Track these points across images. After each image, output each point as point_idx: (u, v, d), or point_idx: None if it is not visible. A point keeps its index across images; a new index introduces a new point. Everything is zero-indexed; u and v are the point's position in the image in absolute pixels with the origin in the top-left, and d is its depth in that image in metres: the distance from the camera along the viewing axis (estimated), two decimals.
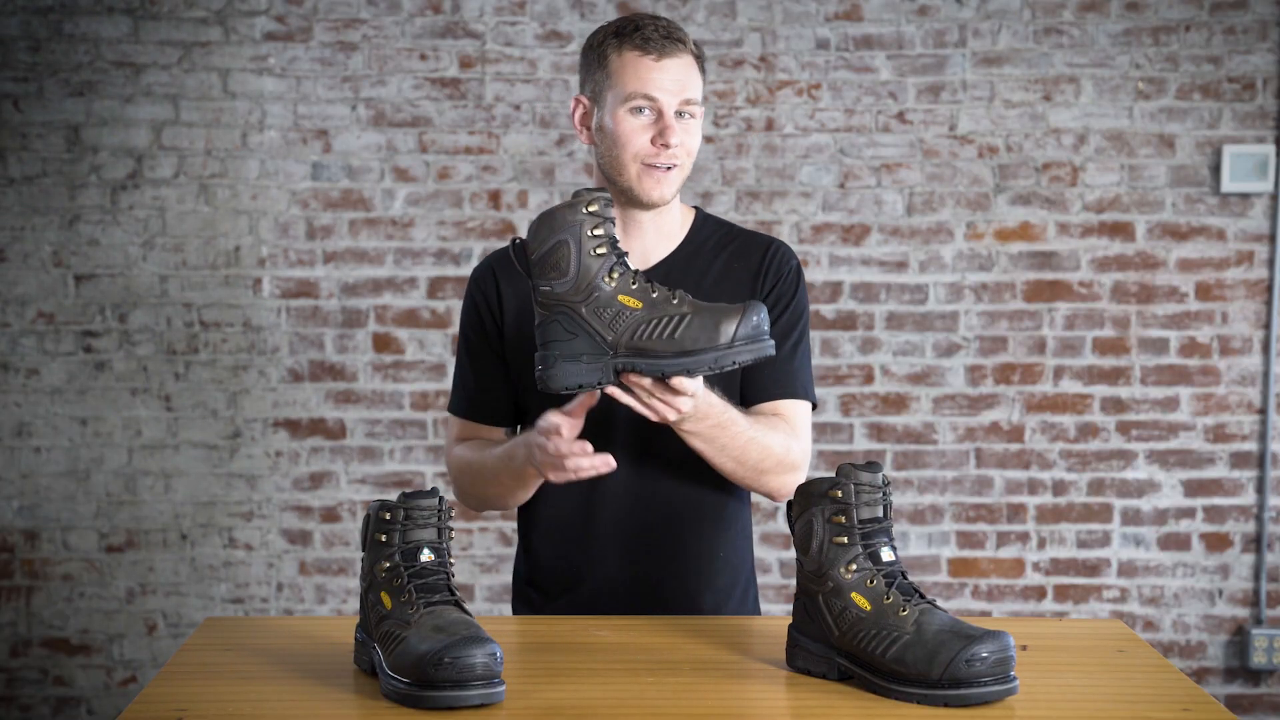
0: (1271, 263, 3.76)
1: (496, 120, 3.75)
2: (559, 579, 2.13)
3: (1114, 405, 3.80)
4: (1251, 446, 3.80)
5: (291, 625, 1.93)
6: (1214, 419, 3.79)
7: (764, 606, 3.62)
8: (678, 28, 2.03)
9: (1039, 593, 3.83)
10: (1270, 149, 3.71)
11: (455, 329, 3.76)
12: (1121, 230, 3.78)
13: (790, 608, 1.86)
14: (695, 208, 2.18)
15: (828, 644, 1.65)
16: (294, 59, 3.73)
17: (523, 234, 3.75)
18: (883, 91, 3.76)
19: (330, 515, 3.80)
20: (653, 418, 1.82)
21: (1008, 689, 1.56)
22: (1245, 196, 3.75)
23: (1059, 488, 3.81)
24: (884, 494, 1.65)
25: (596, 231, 1.76)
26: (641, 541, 2.07)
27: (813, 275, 3.76)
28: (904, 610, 1.59)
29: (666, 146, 1.99)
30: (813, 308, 3.63)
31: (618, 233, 2.07)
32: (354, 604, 3.75)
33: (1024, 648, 1.74)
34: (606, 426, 1.94)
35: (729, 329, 1.73)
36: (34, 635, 3.80)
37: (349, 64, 3.73)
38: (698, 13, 3.73)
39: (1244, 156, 3.71)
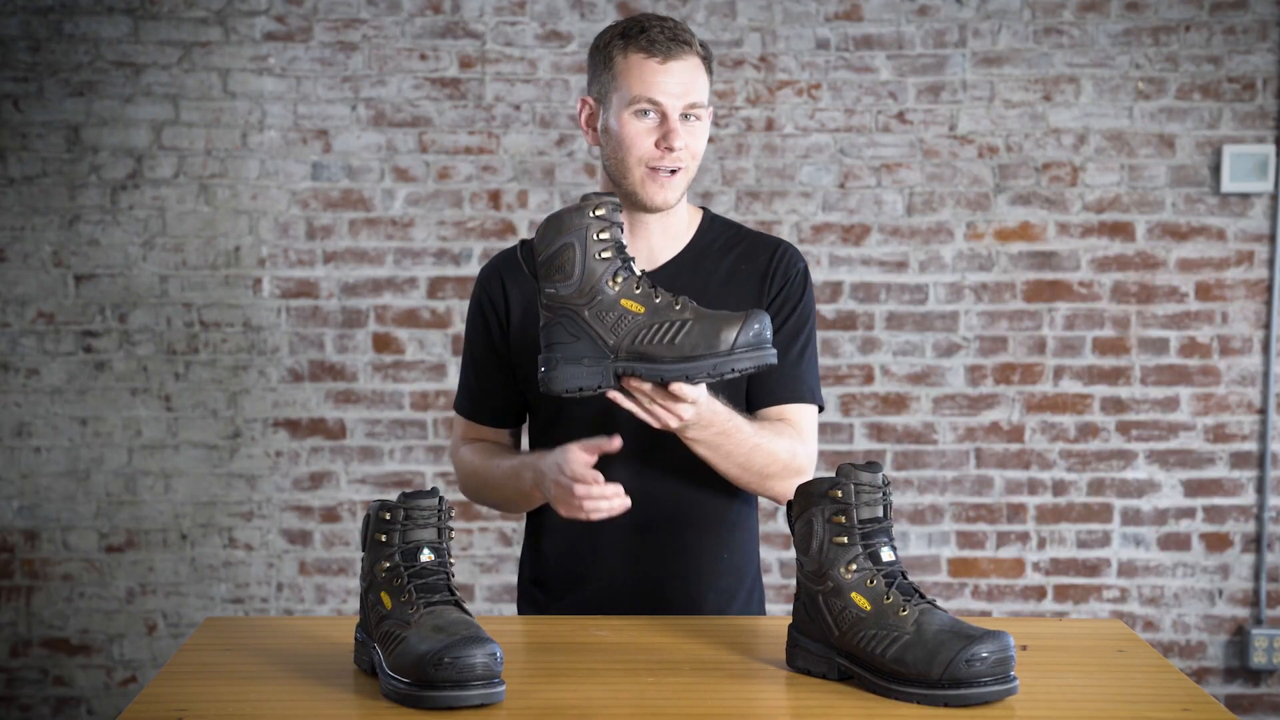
0: (1271, 263, 3.76)
1: (496, 120, 3.75)
2: (565, 579, 2.13)
3: (1114, 405, 3.80)
4: (1251, 446, 3.80)
5: (291, 625, 1.93)
6: (1214, 419, 3.79)
7: (766, 608, 3.61)
8: (684, 29, 2.02)
9: (1039, 593, 3.83)
10: (1270, 149, 3.71)
11: (455, 329, 3.76)
12: (1121, 230, 3.78)
13: (790, 608, 1.86)
14: (703, 208, 2.17)
15: (828, 644, 1.65)
16: (294, 59, 3.73)
17: (524, 235, 3.75)
18: (883, 91, 3.76)
19: (330, 515, 3.81)
20: (655, 424, 1.83)
21: (1008, 689, 1.56)
22: (1245, 196, 3.75)
23: (1059, 488, 3.81)
24: (884, 494, 1.65)
25: (602, 235, 1.76)
26: (646, 543, 2.08)
27: (813, 275, 3.76)
28: (904, 610, 1.59)
29: (670, 150, 1.99)
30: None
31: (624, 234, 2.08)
32: (354, 604, 3.75)
33: (1024, 648, 1.74)
34: (611, 428, 1.94)
35: (730, 336, 1.73)
36: (34, 635, 3.80)
37: (349, 64, 3.74)
38: (698, 13, 3.73)
39: (1244, 156, 3.71)
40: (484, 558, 3.83)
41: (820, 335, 3.77)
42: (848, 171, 3.77)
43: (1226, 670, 3.83)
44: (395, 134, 3.75)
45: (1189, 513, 3.81)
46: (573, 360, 1.76)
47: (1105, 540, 3.82)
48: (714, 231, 2.14)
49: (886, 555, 1.64)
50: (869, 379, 3.80)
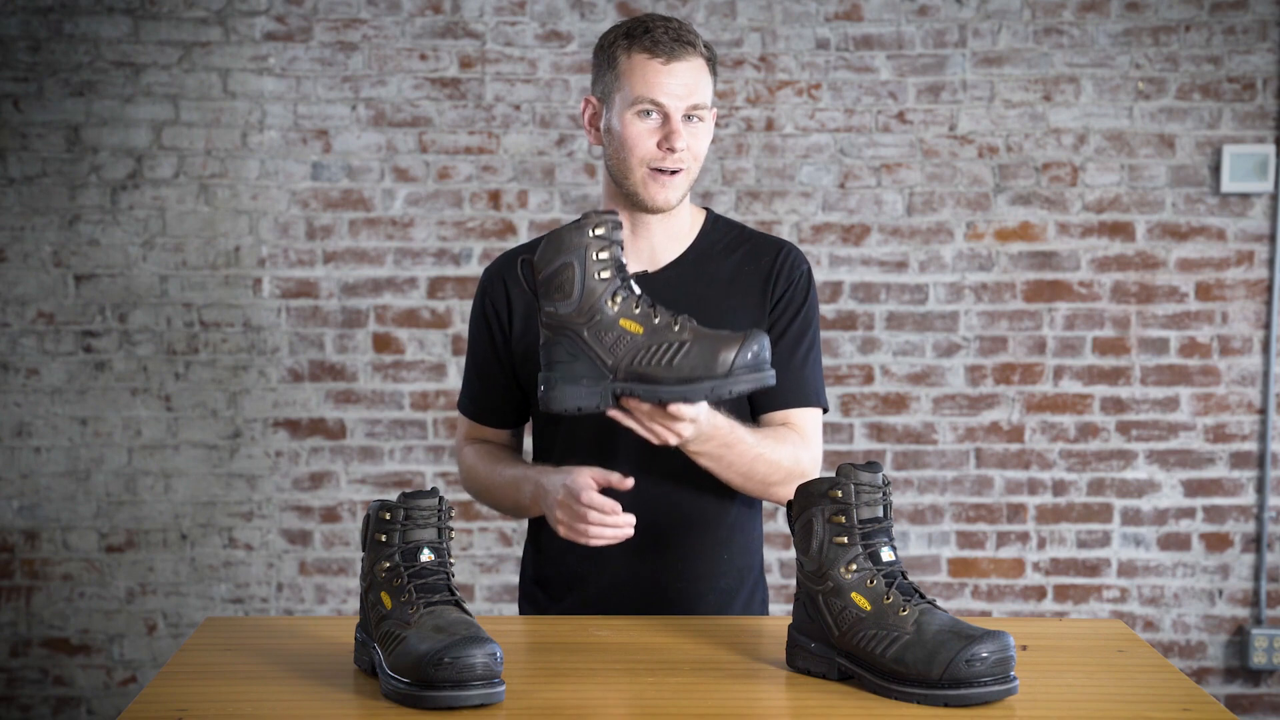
0: (1271, 263, 3.76)
1: (496, 120, 3.75)
2: (566, 579, 2.14)
3: (1114, 405, 3.80)
4: (1251, 446, 3.80)
5: (291, 625, 1.93)
6: (1214, 419, 3.79)
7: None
8: (689, 30, 2.02)
9: (1039, 593, 3.83)
10: (1270, 149, 3.71)
11: (455, 329, 3.76)
12: (1121, 230, 3.78)
13: (790, 608, 1.87)
14: (706, 209, 2.17)
15: (828, 644, 1.65)
16: (294, 59, 3.73)
17: (525, 237, 3.75)
18: (883, 91, 3.76)
19: (330, 515, 3.81)
20: (655, 441, 1.85)
21: (1008, 689, 1.56)
22: (1245, 196, 3.75)
23: (1059, 488, 3.81)
24: (884, 494, 1.65)
25: (602, 255, 1.76)
26: (647, 543, 2.08)
27: (813, 275, 3.76)
28: (904, 610, 1.59)
29: (672, 150, 1.99)
30: None
31: (626, 234, 2.08)
32: (354, 604, 3.75)
33: (1024, 648, 1.75)
34: (612, 430, 1.94)
35: (728, 357, 1.73)
36: (34, 635, 3.80)
37: (349, 64, 3.74)
38: (698, 13, 3.73)
39: (1244, 156, 3.71)
40: (484, 558, 3.83)
41: (821, 335, 3.77)
42: (848, 171, 3.77)
43: (1226, 670, 3.83)
44: (395, 134, 3.75)
45: (1189, 513, 3.81)
46: (572, 380, 1.77)
47: (1105, 540, 3.82)
48: (717, 232, 2.14)
49: (886, 555, 1.64)
50: (869, 379, 3.80)
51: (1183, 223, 3.77)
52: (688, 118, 2.00)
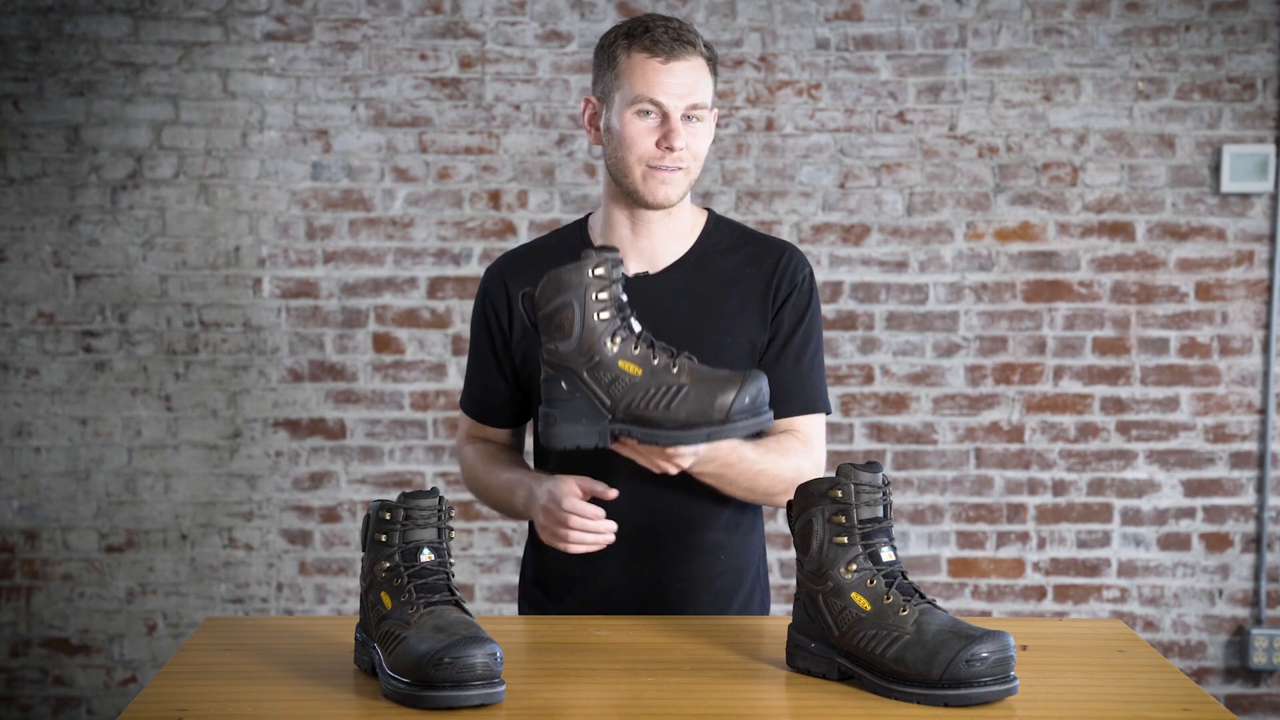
0: (1271, 263, 3.76)
1: (496, 120, 3.75)
2: (565, 580, 2.14)
3: (1114, 405, 3.80)
4: (1251, 446, 3.80)
5: (291, 625, 1.93)
6: (1214, 419, 3.79)
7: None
8: (689, 29, 2.02)
9: (1039, 593, 3.83)
10: (1270, 149, 3.71)
11: (455, 329, 3.76)
12: (1121, 230, 3.78)
13: (790, 608, 1.87)
14: (707, 209, 2.17)
15: (828, 644, 1.65)
16: (294, 59, 3.73)
17: (525, 237, 3.75)
18: (883, 91, 3.76)
19: (330, 515, 3.81)
20: (654, 469, 1.85)
21: (1008, 689, 1.56)
22: (1245, 196, 3.75)
23: (1059, 488, 3.81)
24: (884, 494, 1.65)
25: (601, 295, 1.77)
26: (645, 544, 2.08)
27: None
28: (904, 610, 1.59)
29: (671, 150, 1.99)
30: None
31: (627, 234, 2.08)
32: (354, 604, 3.75)
33: (1024, 648, 1.75)
34: None
35: (726, 401, 1.74)
36: (34, 635, 3.80)
37: (349, 64, 3.73)
38: (698, 13, 3.73)
39: (1244, 156, 3.71)
40: (484, 558, 3.83)
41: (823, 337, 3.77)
42: (848, 171, 3.77)
43: (1226, 670, 3.83)
44: (395, 134, 3.75)
45: (1189, 513, 3.81)
46: (571, 418, 1.79)
47: (1105, 540, 3.82)
48: (719, 233, 2.14)
49: (886, 555, 1.64)
50: (869, 379, 3.80)
51: (1183, 223, 3.77)
52: (687, 117, 2.00)
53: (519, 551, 3.79)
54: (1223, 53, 3.72)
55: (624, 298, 1.80)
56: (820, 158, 3.76)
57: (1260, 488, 3.80)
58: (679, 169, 2.01)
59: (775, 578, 3.80)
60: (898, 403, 3.80)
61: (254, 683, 1.65)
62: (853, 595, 1.62)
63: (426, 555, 1.65)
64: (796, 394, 2.09)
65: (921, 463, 3.81)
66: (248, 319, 3.76)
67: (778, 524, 3.77)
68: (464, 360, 3.63)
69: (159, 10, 3.71)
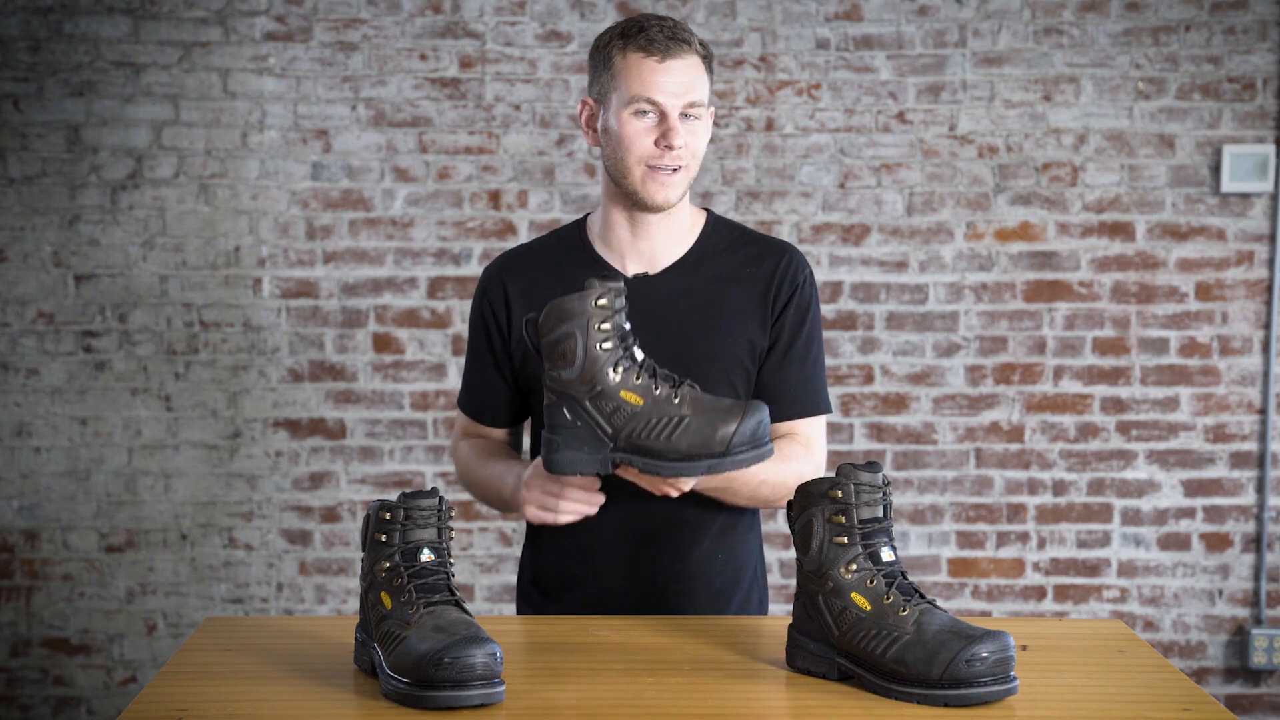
0: (1271, 263, 3.76)
1: (496, 120, 3.75)
2: (562, 580, 2.14)
3: (1114, 405, 3.80)
4: (1251, 446, 3.80)
5: (291, 625, 1.93)
6: (1214, 419, 3.79)
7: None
8: (684, 28, 2.02)
9: (1039, 593, 3.83)
10: (1270, 149, 3.71)
11: (455, 329, 3.76)
12: (1121, 230, 3.77)
13: (790, 608, 1.87)
14: (706, 210, 2.17)
15: (828, 644, 1.65)
16: (294, 59, 3.73)
17: (525, 237, 3.75)
18: (883, 91, 3.76)
19: (330, 515, 3.81)
20: (655, 492, 1.86)
21: (1008, 689, 1.56)
22: (1245, 196, 3.75)
23: (1059, 488, 3.81)
24: (884, 494, 1.65)
25: (604, 326, 1.78)
26: (641, 544, 2.08)
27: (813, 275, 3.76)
28: (904, 610, 1.59)
29: (670, 149, 1.99)
30: None
31: (626, 235, 2.08)
32: (354, 604, 3.75)
33: (1024, 648, 1.75)
34: None
35: (727, 432, 1.75)
36: (34, 635, 3.80)
37: (349, 64, 3.73)
38: (698, 13, 3.73)
39: (1244, 156, 3.71)
40: (484, 558, 3.83)
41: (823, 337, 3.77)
42: (848, 171, 3.77)
43: (1226, 670, 3.83)
44: (395, 134, 3.75)
45: (1189, 513, 3.81)
46: (573, 445, 1.80)
47: (1105, 540, 3.82)
48: (718, 234, 2.14)
49: (886, 555, 1.64)
50: (869, 379, 3.80)
51: (1183, 223, 3.77)
52: (685, 116, 2.00)
53: (518, 551, 3.79)
54: (1223, 53, 3.72)
55: (626, 326, 1.81)
56: (820, 158, 3.76)
57: (1260, 488, 3.80)
58: (678, 168, 2.01)
59: (775, 578, 3.80)
60: (898, 403, 3.80)
61: (254, 683, 1.65)
62: (853, 595, 1.62)
63: (426, 555, 1.65)
64: (799, 396, 2.09)
65: (921, 463, 3.81)
66: (248, 319, 3.76)
67: (778, 524, 3.77)
68: (464, 360, 3.62)
69: (159, 10, 3.71)
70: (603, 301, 1.78)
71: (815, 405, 2.11)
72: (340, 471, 3.79)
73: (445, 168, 3.76)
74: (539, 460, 1.96)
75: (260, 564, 3.80)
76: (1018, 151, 3.76)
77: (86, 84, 3.71)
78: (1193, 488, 3.81)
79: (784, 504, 2.03)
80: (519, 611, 2.25)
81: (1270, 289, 3.77)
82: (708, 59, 2.04)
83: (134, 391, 3.76)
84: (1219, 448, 3.80)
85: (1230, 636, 3.83)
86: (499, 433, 2.22)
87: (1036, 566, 3.83)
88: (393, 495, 3.68)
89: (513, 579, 3.78)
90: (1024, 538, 3.82)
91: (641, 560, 2.09)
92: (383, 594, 1.64)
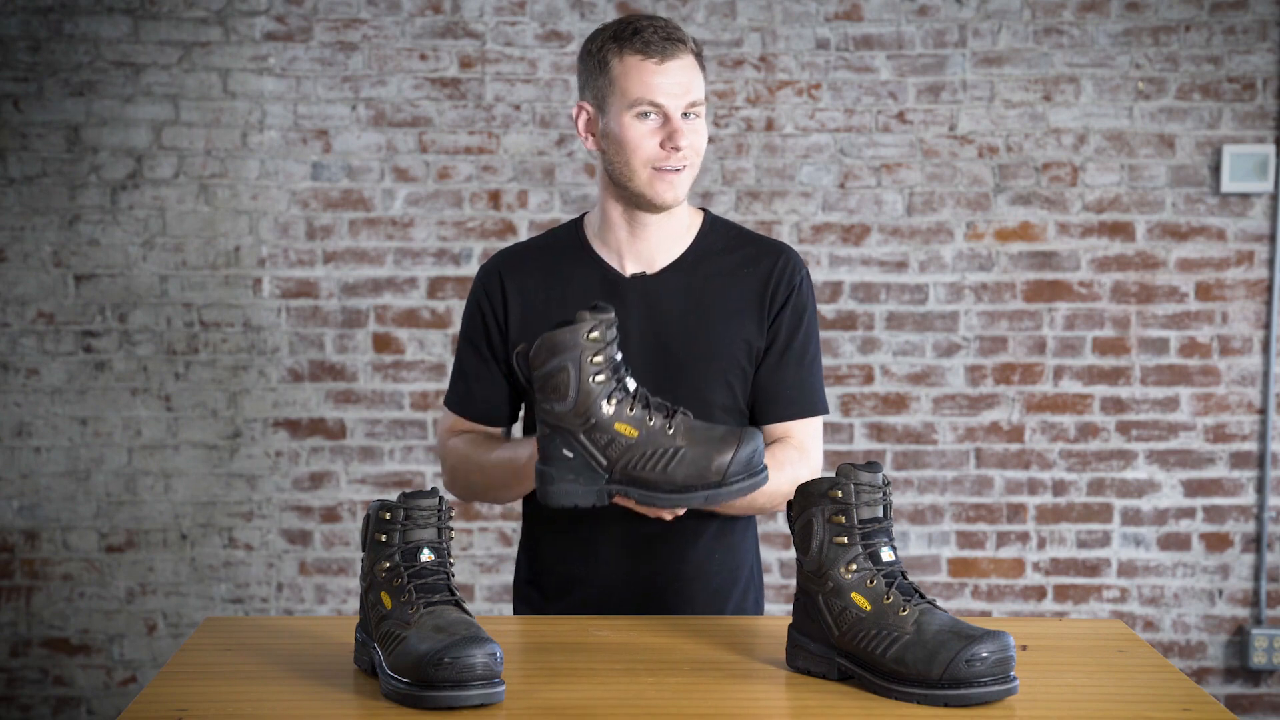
0: (1271, 263, 3.76)
1: (496, 120, 3.75)
2: (559, 581, 2.14)
3: (1114, 405, 3.80)
4: (1251, 446, 3.80)
5: (291, 625, 1.93)
6: (1214, 419, 3.79)
7: (765, 607, 3.61)
8: (676, 27, 2.01)
9: (1039, 593, 3.83)
10: (1270, 149, 3.71)
11: (455, 329, 3.76)
12: (1121, 230, 3.78)
13: (790, 608, 1.87)
14: (703, 210, 2.17)
15: (828, 644, 1.65)
16: (294, 59, 3.73)
17: (524, 237, 3.75)
18: (883, 91, 3.76)
19: (330, 515, 3.81)
20: (650, 516, 1.86)
21: (1008, 689, 1.56)
22: (1245, 196, 3.75)
23: (1059, 488, 3.81)
24: (884, 494, 1.65)
25: (596, 359, 1.78)
26: (638, 545, 2.08)
27: (813, 275, 3.76)
28: (904, 610, 1.59)
29: (677, 149, 1.99)
30: None
31: (624, 236, 2.08)
32: (354, 604, 3.75)
33: (1024, 648, 1.75)
34: None
35: (723, 462, 1.75)
36: (34, 635, 3.80)
37: (349, 64, 3.73)
38: (698, 13, 3.73)
39: (1244, 156, 3.71)
40: (484, 558, 3.83)
41: (821, 335, 3.77)
42: (848, 171, 3.77)
43: (1226, 670, 3.83)
44: (395, 134, 3.75)
45: (1189, 513, 3.81)
46: (568, 477, 1.80)
47: (1105, 540, 3.82)
48: (715, 234, 2.13)
49: (886, 555, 1.64)
50: (869, 379, 3.80)
51: (1183, 223, 3.77)
52: (686, 115, 2.00)
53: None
54: (1223, 53, 3.72)
55: (619, 358, 1.80)
56: (820, 158, 3.76)
57: (1260, 488, 3.80)
58: (683, 168, 2.02)
59: (775, 578, 3.80)
60: (898, 403, 3.80)
61: (254, 683, 1.65)
62: (853, 595, 1.62)
63: (426, 555, 1.65)
64: (795, 398, 2.09)
65: (921, 463, 3.81)
66: (248, 319, 3.76)
67: (778, 524, 3.77)
68: (454, 359, 3.62)
69: (159, 10, 3.71)
70: (594, 334, 1.78)
71: (812, 406, 2.10)
72: (340, 471, 3.79)
73: (445, 168, 3.76)
74: None
75: (260, 564, 3.80)
76: (1018, 151, 3.76)
77: (86, 84, 3.71)
78: (1193, 488, 3.81)
79: (781, 509, 2.04)
80: (516, 612, 2.24)
81: (1270, 289, 3.77)
82: (700, 57, 2.04)
83: (134, 391, 3.77)
84: (1219, 448, 3.80)
85: (1230, 636, 3.83)
86: (493, 431, 2.19)
87: (1036, 566, 3.83)
88: (393, 495, 3.68)
89: (512, 579, 3.77)
90: (1024, 538, 3.82)
91: (639, 560, 2.08)
92: (383, 594, 1.64)
